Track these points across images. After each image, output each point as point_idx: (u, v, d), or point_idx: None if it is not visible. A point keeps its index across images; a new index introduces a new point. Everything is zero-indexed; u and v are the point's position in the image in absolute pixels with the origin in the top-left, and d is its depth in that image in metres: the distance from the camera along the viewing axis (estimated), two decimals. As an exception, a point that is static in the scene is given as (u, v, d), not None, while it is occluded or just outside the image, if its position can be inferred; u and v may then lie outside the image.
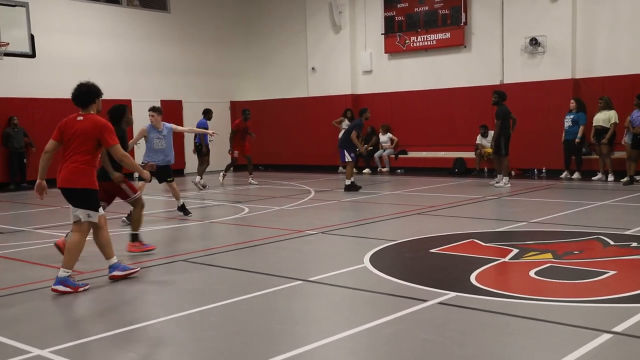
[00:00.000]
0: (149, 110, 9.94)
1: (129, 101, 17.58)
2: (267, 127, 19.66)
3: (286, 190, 13.44)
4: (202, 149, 14.44)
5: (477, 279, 5.47)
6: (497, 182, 12.99)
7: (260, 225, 8.87)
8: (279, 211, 10.21)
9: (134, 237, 7.10)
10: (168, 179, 9.77)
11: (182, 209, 9.88)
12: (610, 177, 13.35)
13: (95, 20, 17.10)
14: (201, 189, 13.84)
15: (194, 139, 14.81)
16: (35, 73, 15.65)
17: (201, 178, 14.15)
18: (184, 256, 6.86)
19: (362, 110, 13.26)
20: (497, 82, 15.72)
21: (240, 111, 15.49)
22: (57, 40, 16.03)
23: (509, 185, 12.77)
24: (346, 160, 12.98)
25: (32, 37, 12.68)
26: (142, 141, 10.10)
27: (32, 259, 6.98)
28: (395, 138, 17.55)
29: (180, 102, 18.85)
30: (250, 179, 14.94)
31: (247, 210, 10.40)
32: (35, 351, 3.99)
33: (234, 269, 6.26)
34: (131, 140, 9.38)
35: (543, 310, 4.56)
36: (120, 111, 7.30)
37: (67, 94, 16.92)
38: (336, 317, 4.76)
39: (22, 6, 12.62)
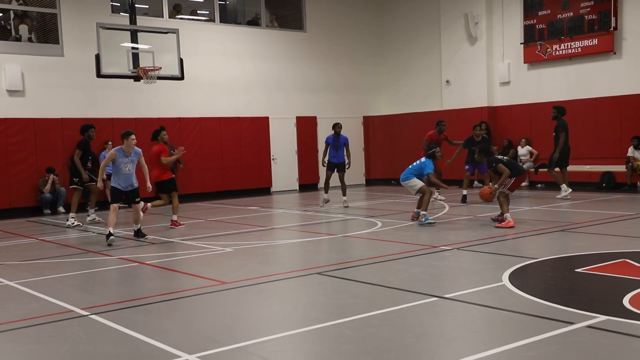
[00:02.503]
0: (133, 134, 9.64)
1: (267, 118, 18.36)
2: (400, 142, 19.58)
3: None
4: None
5: (631, 302, 5.02)
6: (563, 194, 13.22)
7: (393, 240, 8.80)
8: (411, 226, 10.08)
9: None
10: (136, 200, 9.81)
11: (138, 233, 9.85)
12: None
13: (237, 43, 18.05)
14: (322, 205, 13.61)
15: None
16: (182, 94, 16.82)
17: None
18: (318, 269, 6.97)
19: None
20: (652, 90, 14.50)
21: (435, 122, 14.37)
22: (202, 63, 17.11)
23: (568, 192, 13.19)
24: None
25: (181, 61, 13.60)
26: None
27: (179, 268, 7.44)
28: (535, 151, 16.73)
29: (314, 117, 19.33)
30: (437, 193, 14.01)
31: (380, 224, 10.38)
32: (185, 356, 4.23)
33: (367, 283, 6.25)
34: (102, 164, 9.88)
35: None
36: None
37: (211, 113, 18.18)
38: (474, 336, 4.57)
39: (173, 32, 13.59)
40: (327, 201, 13.81)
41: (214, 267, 7.55)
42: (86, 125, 12.41)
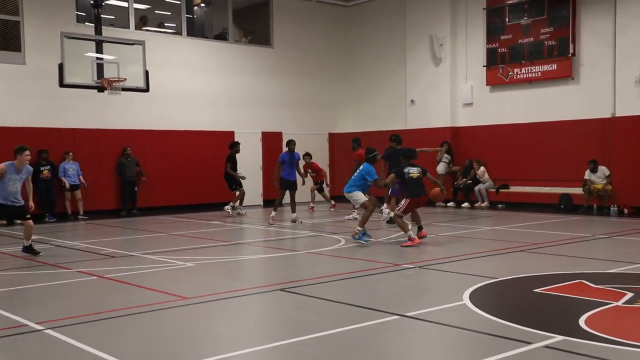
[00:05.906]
0: (27, 150, 9.02)
1: (232, 132, 18.29)
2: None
3: (384, 223, 13.32)
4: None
5: (586, 323, 5.14)
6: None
7: (356, 258, 8.83)
8: (374, 244, 10.13)
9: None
10: (26, 217, 9.17)
11: (29, 249, 9.21)
12: None
13: (203, 56, 17.98)
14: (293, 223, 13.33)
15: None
16: (147, 106, 16.63)
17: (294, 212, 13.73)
18: (280, 286, 6.94)
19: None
20: (608, 115, 14.96)
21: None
22: (168, 76, 16.96)
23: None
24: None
25: (146, 73, 13.47)
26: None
27: (140, 282, 7.31)
28: (486, 173, 17.10)
29: (280, 133, 19.33)
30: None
31: (343, 242, 10.41)
32: (140, 372, 4.15)
33: (329, 301, 6.25)
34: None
35: (662, 361, 4.21)
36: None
37: (176, 126, 18.10)
38: (435, 355, 4.61)
39: (139, 44, 13.47)
40: (274, 219, 13.47)
41: (175, 281, 7.45)
42: (234, 143, 15.90)
